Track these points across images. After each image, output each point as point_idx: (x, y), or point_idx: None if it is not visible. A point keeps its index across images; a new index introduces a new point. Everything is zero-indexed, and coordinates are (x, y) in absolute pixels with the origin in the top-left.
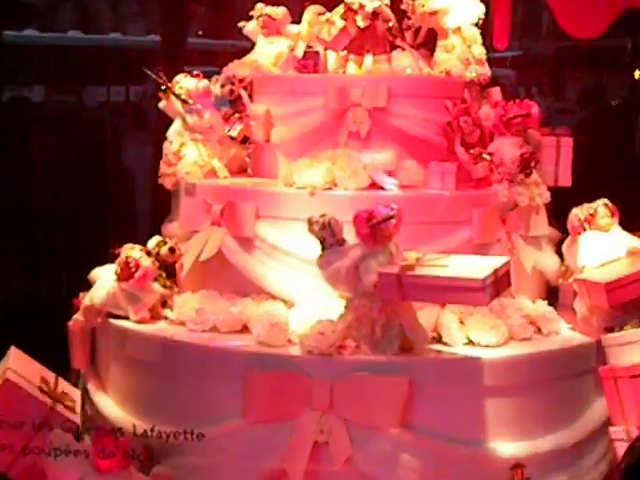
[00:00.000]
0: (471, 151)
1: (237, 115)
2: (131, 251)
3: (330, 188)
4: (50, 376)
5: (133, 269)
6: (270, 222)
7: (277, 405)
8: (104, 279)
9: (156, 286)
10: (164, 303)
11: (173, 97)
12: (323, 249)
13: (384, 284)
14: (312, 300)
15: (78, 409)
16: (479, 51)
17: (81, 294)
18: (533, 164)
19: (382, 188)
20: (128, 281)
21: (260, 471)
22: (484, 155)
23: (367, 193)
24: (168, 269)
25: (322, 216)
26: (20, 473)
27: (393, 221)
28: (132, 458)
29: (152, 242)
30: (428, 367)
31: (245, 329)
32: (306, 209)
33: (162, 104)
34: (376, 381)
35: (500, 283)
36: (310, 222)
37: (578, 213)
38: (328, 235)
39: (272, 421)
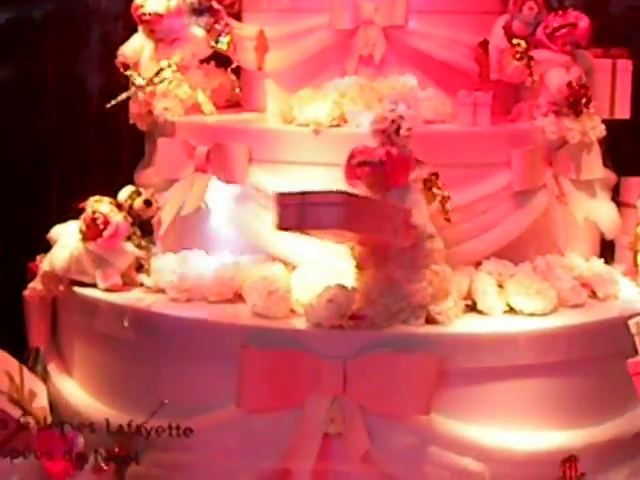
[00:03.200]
0: (514, 41)
1: (219, 24)
2: (98, 204)
3: (338, 125)
4: (14, 368)
5: (101, 226)
6: (266, 167)
7: (278, 390)
8: (66, 239)
9: (129, 246)
10: (139, 267)
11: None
12: None
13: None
14: (319, 261)
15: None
16: None
17: (38, 257)
18: (585, 101)
19: None
20: (95, 241)
21: (259, 470)
22: (527, 55)
23: None
24: (143, 226)
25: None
26: None
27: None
28: (105, 457)
29: (124, 193)
30: (461, 342)
31: (238, 298)
32: (309, 151)
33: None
34: (398, 359)
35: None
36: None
37: None
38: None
39: (273, 409)
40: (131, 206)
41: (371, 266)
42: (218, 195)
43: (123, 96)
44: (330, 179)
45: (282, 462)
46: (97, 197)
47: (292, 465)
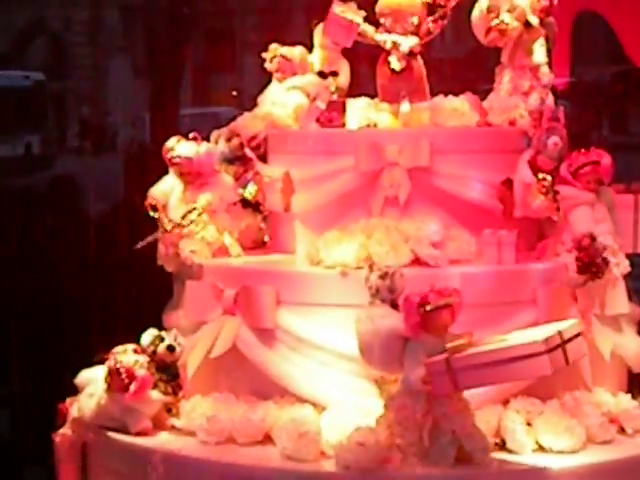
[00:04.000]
0: (540, 176)
1: (248, 173)
2: (122, 356)
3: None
4: None
5: (126, 381)
6: (294, 309)
7: None
8: (93, 387)
9: (155, 394)
10: (169, 409)
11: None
12: (372, 302)
13: (433, 375)
14: (348, 403)
15: None
16: (550, 99)
17: (68, 400)
18: (595, 270)
19: (428, 265)
20: (121, 393)
21: None
22: (553, 190)
23: (411, 271)
24: (168, 369)
25: (387, 266)
26: None
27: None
28: None
29: (146, 338)
30: None
31: (268, 440)
32: (337, 293)
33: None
34: None
35: (570, 349)
36: (370, 267)
37: None
38: (385, 288)
39: None
40: (154, 351)
41: (403, 406)
42: (247, 338)
43: (150, 238)
44: None
45: None
46: (121, 347)
47: None
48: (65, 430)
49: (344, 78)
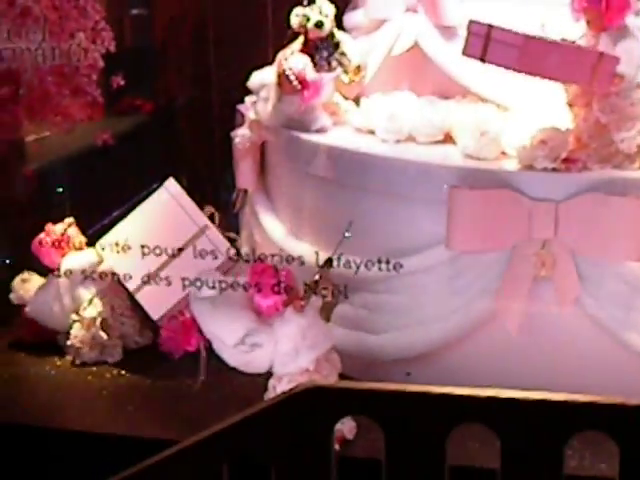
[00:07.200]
0: None
1: None
2: (292, 59)
3: None
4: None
5: (299, 86)
6: (479, 4)
7: (488, 232)
8: (266, 90)
9: (329, 77)
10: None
11: None
12: None
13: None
14: (532, 105)
15: None
16: None
17: (247, 99)
18: None
19: None
20: (296, 96)
21: (466, 312)
22: None
23: None
24: (324, 44)
25: None
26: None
27: None
28: (311, 293)
29: (294, 20)
30: None
31: (449, 139)
32: None
33: None
34: (612, 203)
35: None
36: None
37: None
38: None
39: (482, 251)
40: (306, 32)
41: (581, 106)
42: (430, 35)
43: None
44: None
45: (490, 304)
46: (288, 50)
47: (500, 307)
48: (244, 131)
49: None
